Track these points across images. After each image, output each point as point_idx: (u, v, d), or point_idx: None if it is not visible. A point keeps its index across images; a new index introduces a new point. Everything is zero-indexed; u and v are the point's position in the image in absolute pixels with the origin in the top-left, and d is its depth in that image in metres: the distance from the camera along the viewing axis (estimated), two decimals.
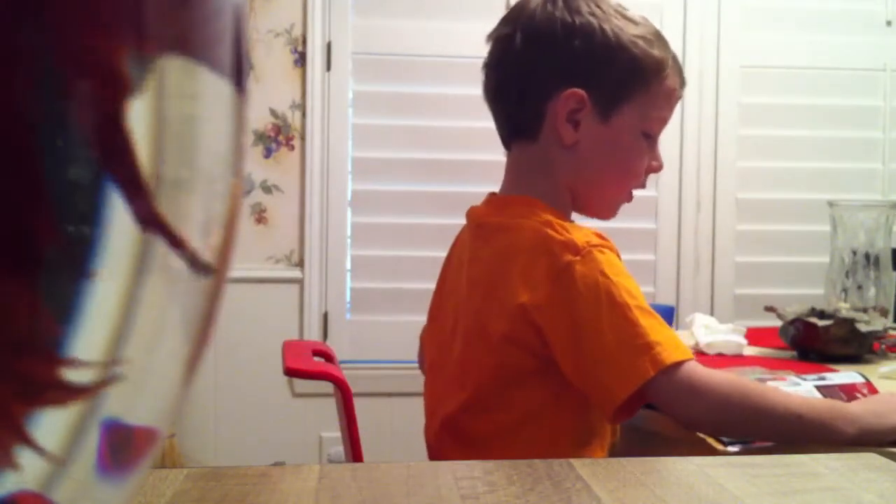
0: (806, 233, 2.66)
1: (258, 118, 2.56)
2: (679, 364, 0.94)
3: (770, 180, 2.72)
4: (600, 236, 1.02)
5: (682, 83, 1.12)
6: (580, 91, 1.05)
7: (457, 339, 1.09)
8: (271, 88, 2.57)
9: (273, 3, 2.56)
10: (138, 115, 0.17)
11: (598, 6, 1.06)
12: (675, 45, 2.67)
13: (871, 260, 1.67)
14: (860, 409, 0.96)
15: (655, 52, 1.07)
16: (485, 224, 1.11)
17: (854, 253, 1.68)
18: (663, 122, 1.11)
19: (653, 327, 0.96)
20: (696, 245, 2.71)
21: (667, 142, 2.68)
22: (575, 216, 1.14)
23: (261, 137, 2.57)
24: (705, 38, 2.70)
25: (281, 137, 2.59)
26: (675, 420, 1.00)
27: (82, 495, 0.18)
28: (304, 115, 2.58)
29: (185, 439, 2.52)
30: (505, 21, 1.11)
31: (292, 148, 2.59)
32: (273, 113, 2.58)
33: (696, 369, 0.96)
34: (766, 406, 0.95)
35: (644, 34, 1.07)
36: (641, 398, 0.96)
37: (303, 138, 2.59)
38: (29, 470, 0.17)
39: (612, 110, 1.07)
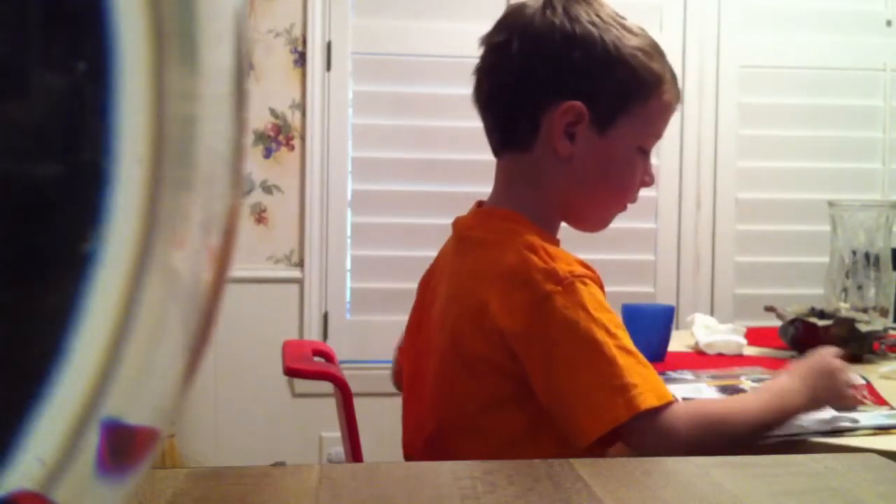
0: (806, 233, 2.66)
1: (258, 118, 2.56)
2: (655, 410, 0.91)
3: (770, 180, 2.71)
4: (584, 265, 0.99)
5: (678, 98, 1.09)
6: (579, 104, 1.02)
7: (433, 357, 1.06)
8: (271, 88, 2.56)
9: (273, 3, 2.56)
10: (139, 115, 0.17)
11: (598, 15, 1.03)
12: (675, 45, 2.69)
13: (871, 260, 1.67)
14: (800, 384, 0.99)
15: (654, 65, 1.04)
16: (467, 237, 1.07)
17: (854, 253, 1.68)
18: (658, 137, 1.09)
19: (631, 368, 0.92)
20: (696, 245, 2.71)
21: (667, 142, 2.69)
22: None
23: (261, 137, 2.57)
24: (705, 38, 2.70)
25: (281, 137, 2.59)
26: None
27: (82, 495, 0.18)
28: (304, 115, 2.58)
29: (185, 439, 2.52)
30: (500, 26, 1.07)
31: (292, 148, 2.59)
32: (273, 113, 2.58)
33: (673, 413, 0.93)
34: (735, 431, 0.95)
35: (643, 46, 1.04)
36: (615, 437, 0.93)
37: (303, 138, 2.58)
38: (29, 470, 0.17)
39: (609, 124, 1.04)
